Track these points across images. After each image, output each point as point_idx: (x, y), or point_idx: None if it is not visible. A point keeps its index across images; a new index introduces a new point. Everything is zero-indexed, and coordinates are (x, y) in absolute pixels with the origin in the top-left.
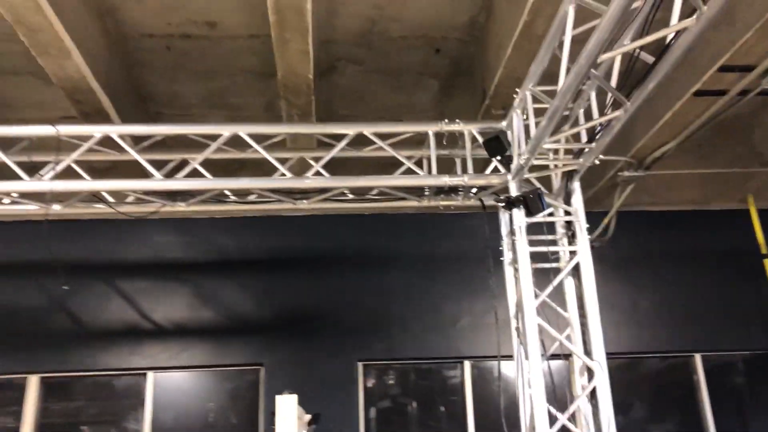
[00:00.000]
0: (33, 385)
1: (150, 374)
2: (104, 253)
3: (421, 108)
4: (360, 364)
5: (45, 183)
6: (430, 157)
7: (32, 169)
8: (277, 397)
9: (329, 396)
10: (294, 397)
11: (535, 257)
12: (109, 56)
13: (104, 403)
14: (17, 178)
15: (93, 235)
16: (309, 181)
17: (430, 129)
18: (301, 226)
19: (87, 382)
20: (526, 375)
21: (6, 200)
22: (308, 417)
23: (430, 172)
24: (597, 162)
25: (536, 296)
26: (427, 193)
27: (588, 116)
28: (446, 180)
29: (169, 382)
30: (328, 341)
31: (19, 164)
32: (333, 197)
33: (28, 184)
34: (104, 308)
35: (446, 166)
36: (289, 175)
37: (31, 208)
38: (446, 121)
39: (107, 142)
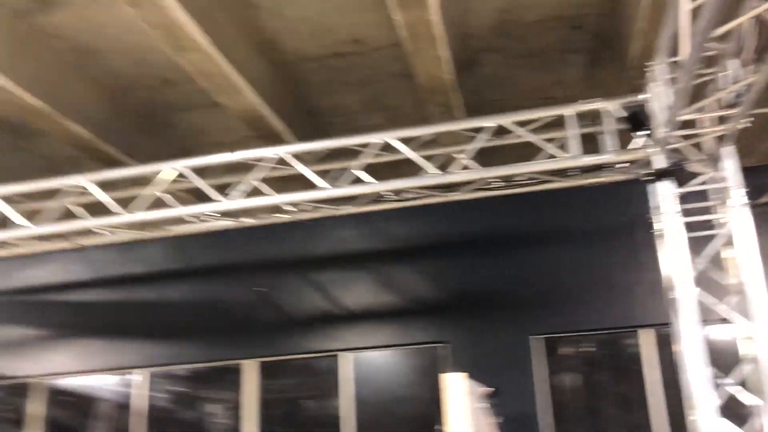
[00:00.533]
0: (249, 367)
1: (345, 355)
2: (297, 250)
3: (569, 83)
4: (536, 338)
5: (234, 202)
6: (573, 137)
7: (224, 188)
8: (444, 376)
9: (508, 371)
10: (461, 375)
11: (691, 225)
12: (275, 84)
13: (309, 381)
14: (211, 199)
15: (286, 235)
16: (454, 176)
17: (568, 111)
18: (469, 210)
19: (294, 363)
20: (686, 343)
21: (205, 218)
22: (485, 391)
23: (573, 152)
24: (747, 125)
25: (692, 265)
26: (572, 173)
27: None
28: (589, 160)
29: (365, 361)
30: (505, 317)
31: (213, 186)
32: (480, 187)
33: (220, 205)
34: (302, 299)
35: (591, 142)
36: (435, 172)
37: (226, 224)
38: (584, 101)
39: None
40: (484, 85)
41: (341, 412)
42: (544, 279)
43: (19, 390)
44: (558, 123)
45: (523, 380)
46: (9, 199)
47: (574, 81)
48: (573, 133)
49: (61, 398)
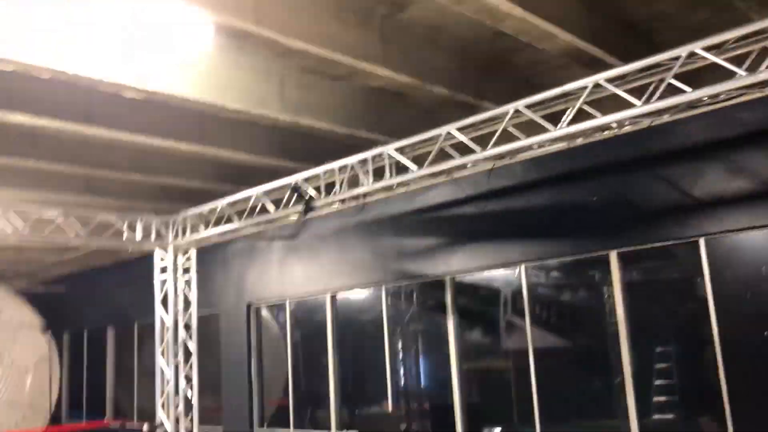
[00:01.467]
0: (614, 258)
1: (701, 241)
2: (645, 149)
3: None
4: None
5: (563, 130)
6: None
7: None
8: None
9: None
10: None
11: None
12: (589, 16)
13: (669, 267)
14: (544, 129)
15: (631, 137)
16: (762, 75)
17: None
18: None
19: (653, 252)
20: None
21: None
22: None
23: None
24: None
25: None
26: None
27: None
28: None
29: (724, 247)
30: None
31: (544, 117)
32: None
33: (553, 134)
34: (655, 193)
35: None
36: (744, 74)
37: (558, 146)
38: None
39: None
40: None
41: (707, 295)
42: None
43: (436, 285)
44: None
45: None
46: (401, 150)
47: None
48: None
49: (466, 289)
